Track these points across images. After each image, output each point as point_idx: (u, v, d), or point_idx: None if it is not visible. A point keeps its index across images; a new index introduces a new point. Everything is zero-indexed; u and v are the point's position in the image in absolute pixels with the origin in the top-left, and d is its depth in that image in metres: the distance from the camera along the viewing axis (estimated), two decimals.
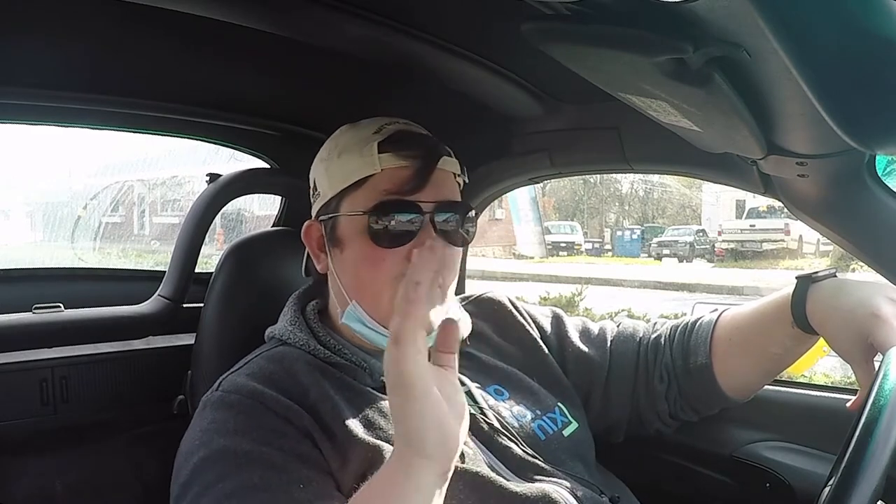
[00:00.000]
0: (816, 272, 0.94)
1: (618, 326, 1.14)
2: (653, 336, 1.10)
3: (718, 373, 1.02)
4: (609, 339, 1.11)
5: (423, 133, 0.94)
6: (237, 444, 0.77)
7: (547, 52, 0.66)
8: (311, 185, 0.96)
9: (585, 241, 19.92)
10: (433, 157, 0.89)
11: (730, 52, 0.52)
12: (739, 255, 15.96)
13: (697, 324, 1.07)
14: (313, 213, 0.96)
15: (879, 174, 0.91)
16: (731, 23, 0.48)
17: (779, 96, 0.61)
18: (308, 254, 0.99)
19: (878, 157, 0.90)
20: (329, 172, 0.92)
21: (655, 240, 18.23)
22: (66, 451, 1.18)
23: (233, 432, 0.78)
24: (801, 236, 15.50)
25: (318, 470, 0.79)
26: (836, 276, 0.94)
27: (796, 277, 0.95)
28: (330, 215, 0.92)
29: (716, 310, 1.09)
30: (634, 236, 19.23)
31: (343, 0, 0.85)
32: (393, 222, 0.87)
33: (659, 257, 17.11)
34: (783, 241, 15.63)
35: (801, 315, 0.92)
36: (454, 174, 0.93)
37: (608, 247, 20.05)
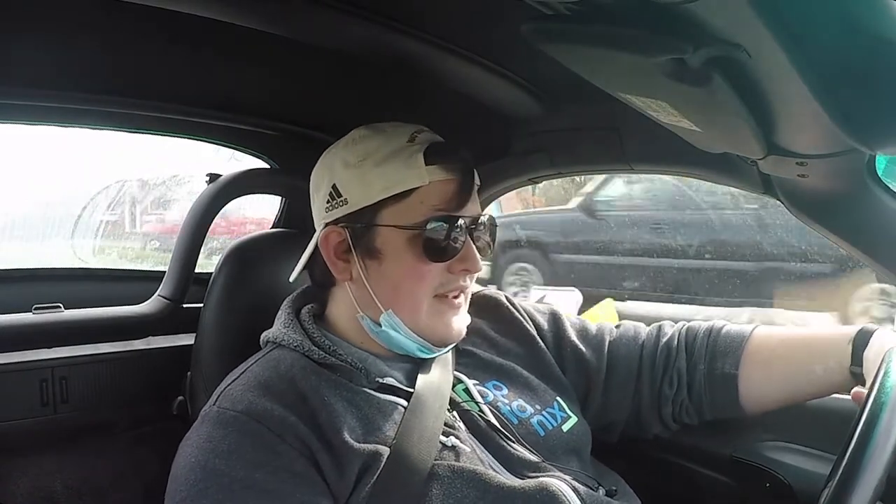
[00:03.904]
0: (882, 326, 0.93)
1: (617, 328, 1.13)
2: (663, 340, 1.08)
3: (744, 385, 1.00)
4: (607, 340, 1.10)
5: (456, 145, 0.94)
6: (232, 468, 0.77)
7: (547, 52, 0.66)
8: (329, 191, 0.92)
9: None
10: (471, 172, 0.92)
11: (730, 52, 0.52)
12: None
13: (723, 330, 1.05)
14: (330, 219, 0.93)
15: (879, 174, 0.91)
16: (731, 23, 0.48)
17: (779, 96, 0.61)
18: (309, 258, 0.97)
19: (878, 157, 0.90)
20: (364, 181, 0.89)
21: None
22: (66, 451, 1.18)
23: (227, 453, 0.78)
24: None
25: (313, 492, 0.78)
26: None
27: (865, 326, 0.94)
28: (364, 224, 0.90)
29: (725, 322, 1.08)
30: None
31: (343, 0, 0.85)
32: (444, 238, 0.89)
33: None
34: None
35: (859, 357, 0.90)
36: (476, 185, 0.95)
37: None
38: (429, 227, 0.88)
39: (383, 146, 0.91)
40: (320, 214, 0.95)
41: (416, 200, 0.89)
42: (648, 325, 1.14)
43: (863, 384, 0.88)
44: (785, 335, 1.02)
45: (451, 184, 0.90)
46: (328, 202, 0.93)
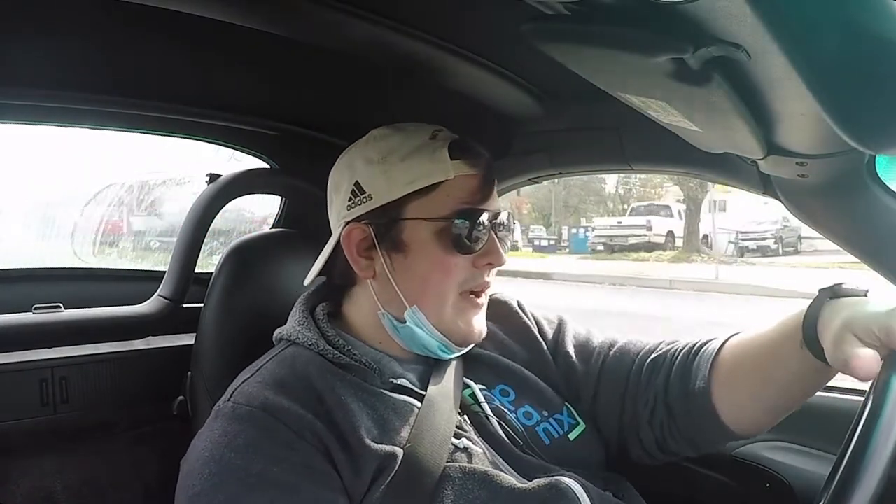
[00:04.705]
0: (840, 284, 0.79)
1: (621, 343, 1.06)
2: (652, 355, 1.00)
3: (717, 399, 0.91)
4: (604, 355, 1.04)
5: (476, 142, 0.95)
6: (248, 462, 0.76)
7: (547, 52, 0.66)
8: (352, 189, 0.92)
9: (543, 239, 21.23)
10: (492, 168, 0.94)
11: (730, 53, 0.52)
12: (610, 248, 18.30)
13: (705, 346, 0.96)
14: (352, 216, 0.93)
15: (879, 174, 0.91)
16: (731, 23, 0.48)
17: (779, 96, 0.61)
18: (328, 256, 0.97)
19: (878, 157, 0.90)
20: (389, 176, 0.90)
21: (592, 235, 19.83)
22: (66, 451, 1.18)
23: (243, 448, 0.78)
24: (670, 232, 18.20)
25: (329, 488, 0.78)
26: (867, 295, 0.77)
27: (819, 290, 0.80)
28: (390, 219, 0.91)
29: (715, 337, 0.98)
30: (587, 234, 20.63)
31: (343, 0, 0.85)
32: (471, 230, 0.90)
33: (594, 251, 18.78)
34: (646, 235, 18.06)
35: (812, 333, 0.77)
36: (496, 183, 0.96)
37: (565, 244, 21.16)
38: (457, 219, 0.89)
39: (406, 142, 0.92)
40: (341, 213, 0.95)
41: (442, 194, 0.90)
42: None
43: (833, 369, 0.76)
44: (747, 341, 0.92)
45: (476, 178, 0.91)
46: (350, 200, 0.93)
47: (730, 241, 17.37)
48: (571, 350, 1.06)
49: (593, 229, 19.74)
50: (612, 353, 1.04)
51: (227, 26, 0.88)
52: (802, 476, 1.12)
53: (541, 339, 1.07)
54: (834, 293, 0.78)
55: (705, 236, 18.24)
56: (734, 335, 0.95)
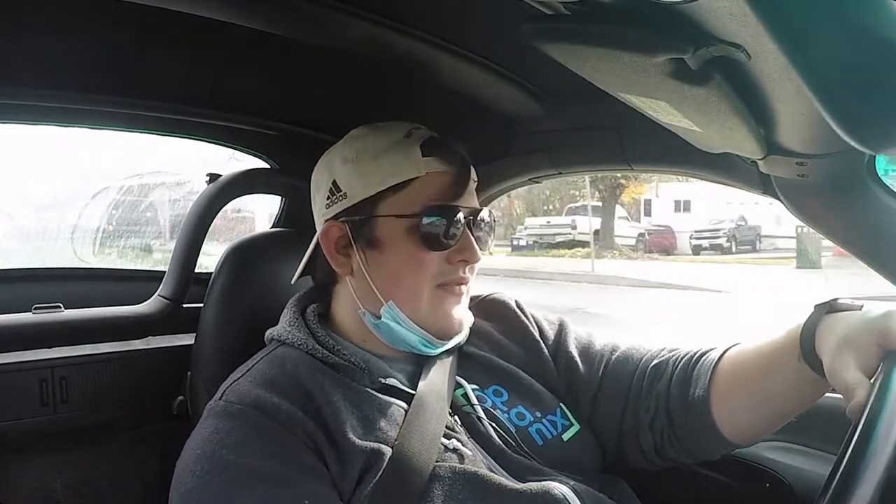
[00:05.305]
0: (836, 299, 0.79)
1: (625, 348, 1.05)
2: (654, 362, 1.00)
3: (716, 408, 0.91)
4: (606, 358, 1.04)
5: (453, 140, 0.95)
6: (240, 458, 0.77)
7: (547, 52, 0.66)
8: (329, 187, 0.94)
9: (522, 238, 21.78)
10: (467, 165, 0.94)
11: (730, 53, 0.52)
12: (539, 245, 19.89)
13: (705, 355, 0.96)
14: (330, 215, 0.95)
15: (879, 174, 0.91)
16: (731, 23, 0.48)
17: (779, 96, 0.61)
18: (310, 257, 0.98)
19: (878, 157, 0.90)
20: (362, 174, 0.91)
21: (524, 234, 20.94)
22: (66, 451, 1.18)
23: (235, 444, 0.78)
24: (596, 231, 19.31)
25: (322, 482, 0.79)
26: (861, 309, 0.77)
27: (815, 306, 0.80)
28: (364, 216, 0.92)
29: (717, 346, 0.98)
30: None
31: (343, 0, 0.85)
32: (442, 227, 0.90)
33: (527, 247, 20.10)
34: (571, 234, 19.75)
35: (810, 347, 0.78)
36: (473, 181, 0.96)
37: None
38: (426, 215, 0.90)
39: (380, 141, 0.93)
40: (321, 212, 0.97)
41: (413, 191, 0.91)
42: None
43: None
44: (746, 351, 0.93)
45: (448, 175, 0.92)
46: (328, 198, 0.95)
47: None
48: (574, 351, 1.05)
49: (525, 228, 20.81)
50: (614, 357, 1.04)
51: (227, 26, 0.88)
52: (802, 476, 1.12)
53: (540, 340, 1.07)
54: (830, 308, 0.79)
55: (641, 234, 20.49)
56: (734, 346, 0.95)
